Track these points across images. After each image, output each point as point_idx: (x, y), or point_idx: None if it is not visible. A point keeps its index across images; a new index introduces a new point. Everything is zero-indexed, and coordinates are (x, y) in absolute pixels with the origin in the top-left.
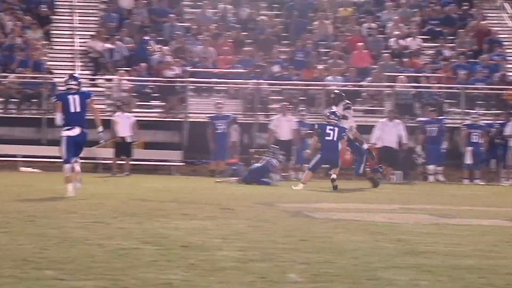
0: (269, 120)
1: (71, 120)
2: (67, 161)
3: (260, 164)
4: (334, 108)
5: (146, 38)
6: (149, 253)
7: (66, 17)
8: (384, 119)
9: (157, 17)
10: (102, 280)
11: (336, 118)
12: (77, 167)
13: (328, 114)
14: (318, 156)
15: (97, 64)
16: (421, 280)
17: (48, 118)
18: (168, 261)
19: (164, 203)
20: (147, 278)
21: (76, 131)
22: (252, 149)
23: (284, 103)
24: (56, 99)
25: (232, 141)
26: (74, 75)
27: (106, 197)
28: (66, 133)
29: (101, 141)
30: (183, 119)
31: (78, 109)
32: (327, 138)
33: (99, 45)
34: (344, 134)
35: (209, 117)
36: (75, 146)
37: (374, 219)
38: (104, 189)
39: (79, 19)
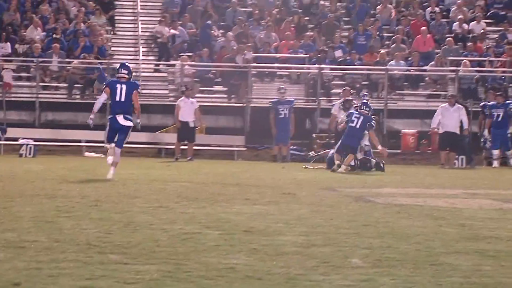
0: (331, 105)
1: (115, 107)
2: (109, 140)
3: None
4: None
5: (209, 23)
6: (211, 238)
7: (129, 3)
8: (444, 104)
9: (219, 2)
10: (165, 264)
11: (368, 109)
12: (117, 157)
13: (360, 104)
14: (340, 140)
15: (164, 49)
16: (484, 265)
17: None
18: (230, 245)
19: (226, 188)
20: (210, 262)
21: (121, 120)
22: (314, 134)
23: (345, 88)
24: (105, 85)
25: None
26: (125, 64)
27: (169, 182)
28: (107, 130)
29: (137, 127)
30: (246, 104)
31: (122, 99)
32: (350, 124)
33: (166, 30)
34: (369, 124)
35: (271, 102)
36: (117, 132)
37: (437, 204)
38: (167, 174)
39: (142, 5)
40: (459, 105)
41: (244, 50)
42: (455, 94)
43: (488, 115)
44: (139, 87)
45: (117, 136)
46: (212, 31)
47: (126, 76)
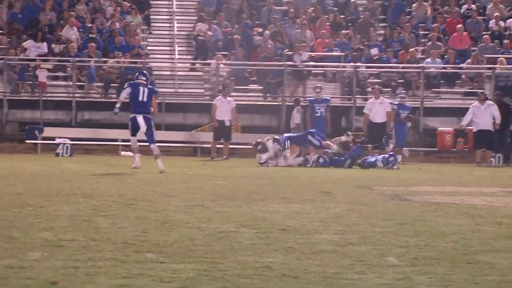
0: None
1: (137, 107)
2: (132, 135)
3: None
4: None
5: (248, 22)
6: (247, 237)
7: (164, 2)
8: (475, 103)
9: (254, 1)
10: (201, 263)
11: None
12: (155, 150)
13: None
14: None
15: (203, 47)
16: None
17: None
18: (266, 244)
19: (262, 187)
20: (246, 261)
21: (141, 121)
22: (350, 132)
23: (375, 86)
24: (127, 85)
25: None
26: (143, 71)
27: (205, 180)
28: (130, 126)
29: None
30: (281, 103)
31: (145, 99)
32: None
33: (206, 28)
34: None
35: (307, 100)
36: (138, 129)
37: (474, 203)
38: (203, 173)
39: (177, 4)
40: (490, 102)
41: (300, 50)
42: (484, 92)
43: None
44: (157, 92)
45: (145, 135)
46: (254, 30)
47: (144, 82)
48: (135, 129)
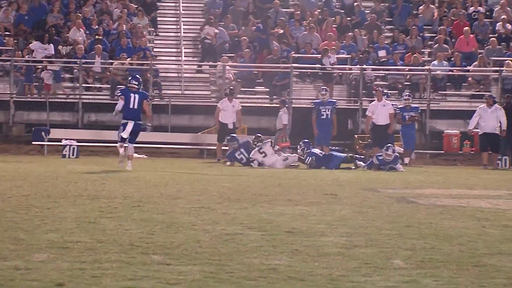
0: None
1: (128, 114)
2: (120, 141)
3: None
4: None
5: (259, 26)
6: (253, 239)
7: (171, 4)
8: (482, 105)
9: (261, 3)
10: (208, 265)
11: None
12: (131, 151)
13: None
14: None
15: (210, 50)
16: None
17: (153, 104)
18: (272, 246)
19: (268, 189)
20: (252, 263)
21: (129, 128)
22: (356, 135)
23: (378, 89)
24: (120, 94)
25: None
26: (136, 76)
27: (211, 182)
28: (121, 130)
29: (147, 131)
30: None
31: (135, 106)
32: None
33: (214, 31)
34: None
35: (313, 102)
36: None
37: (480, 205)
38: (208, 175)
39: (184, 6)
40: (498, 106)
41: (329, 52)
42: (492, 94)
43: None
44: (148, 97)
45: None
46: (274, 30)
47: (136, 86)
48: (124, 131)
